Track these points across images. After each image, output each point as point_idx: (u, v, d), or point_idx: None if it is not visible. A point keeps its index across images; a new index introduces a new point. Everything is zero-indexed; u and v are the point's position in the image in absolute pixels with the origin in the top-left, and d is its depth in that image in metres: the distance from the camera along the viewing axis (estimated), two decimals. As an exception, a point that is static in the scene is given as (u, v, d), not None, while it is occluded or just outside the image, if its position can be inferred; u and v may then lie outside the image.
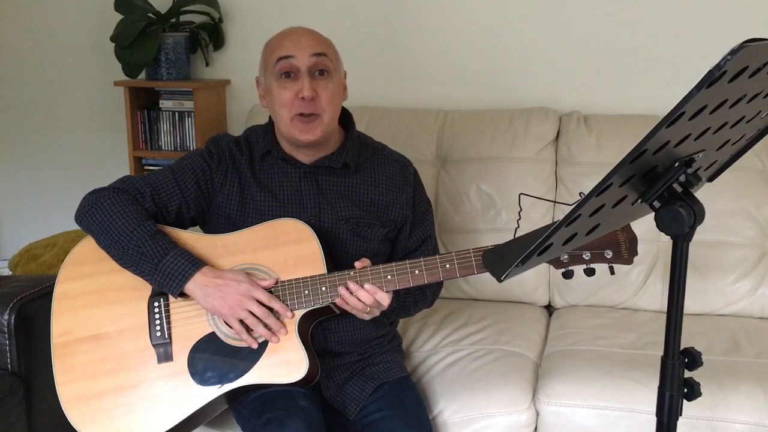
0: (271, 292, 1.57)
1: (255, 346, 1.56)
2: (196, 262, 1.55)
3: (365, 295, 1.54)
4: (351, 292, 1.54)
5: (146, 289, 1.61)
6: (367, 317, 1.59)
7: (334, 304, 1.58)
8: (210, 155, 1.70)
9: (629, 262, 1.54)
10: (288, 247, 1.60)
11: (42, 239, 2.67)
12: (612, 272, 1.55)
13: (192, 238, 1.64)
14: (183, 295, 1.56)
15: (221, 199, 1.69)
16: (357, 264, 1.56)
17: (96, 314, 1.61)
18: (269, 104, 1.68)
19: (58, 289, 1.63)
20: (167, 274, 1.53)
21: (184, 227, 1.69)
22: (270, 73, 1.64)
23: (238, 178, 1.69)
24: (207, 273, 1.54)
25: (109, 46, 2.67)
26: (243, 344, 1.57)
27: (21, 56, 3.06)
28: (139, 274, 1.57)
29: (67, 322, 1.61)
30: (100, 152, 3.05)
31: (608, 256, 1.53)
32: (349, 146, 1.71)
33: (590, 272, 1.53)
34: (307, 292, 1.57)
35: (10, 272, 2.60)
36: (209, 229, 1.73)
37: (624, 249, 1.53)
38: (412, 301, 1.75)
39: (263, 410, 1.58)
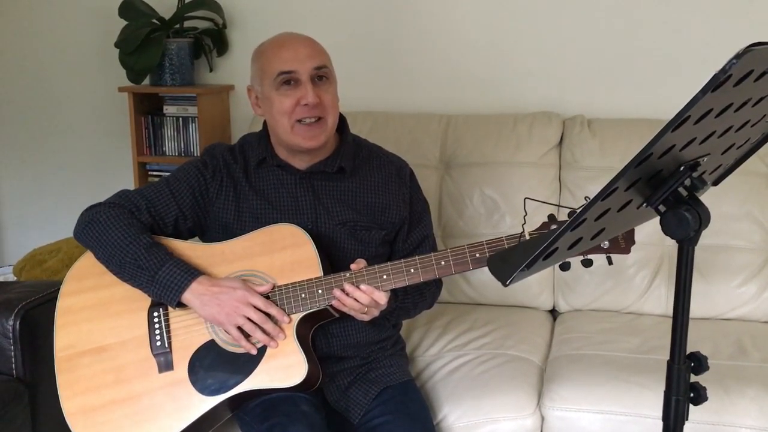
0: (267, 297, 1.58)
1: (254, 352, 1.56)
2: (191, 272, 1.55)
3: (362, 295, 1.54)
4: (347, 294, 1.54)
5: (146, 300, 1.62)
6: (365, 318, 1.59)
7: (332, 306, 1.58)
8: (205, 165, 1.70)
9: (626, 251, 1.53)
10: (284, 252, 1.61)
11: (47, 245, 2.68)
12: (610, 262, 1.54)
13: (189, 248, 1.65)
14: (182, 305, 1.57)
15: (218, 209, 1.69)
16: (353, 266, 1.57)
17: (98, 327, 1.62)
18: (267, 112, 1.68)
19: (61, 304, 1.65)
20: (164, 286, 1.54)
21: (182, 238, 1.70)
22: (268, 83, 1.64)
23: (234, 187, 1.69)
24: (203, 282, 1.55)
25: (114, 52, 2.68)
26: (242, 350, 1.57)
27: (25, 62, 3.07)
28: (137, 286, 1.58)
29: (70, 336, 1.62)
30: (104, 158, 3.05)
31: (605, 246, 1.52)
32: (344, 150, 1.71)
33: (588, 263, 1.52)
34: (303, 295, 1.57)
35: (15, 278, 2.60)
36: (208, 239, 1.73)
37: (621, 238, 1.53)
38: (411, 302, 1.75)
39: (266, 416, 1.58)
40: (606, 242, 1.51)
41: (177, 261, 1.57)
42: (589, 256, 1.52)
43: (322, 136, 1.64)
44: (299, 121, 1.62)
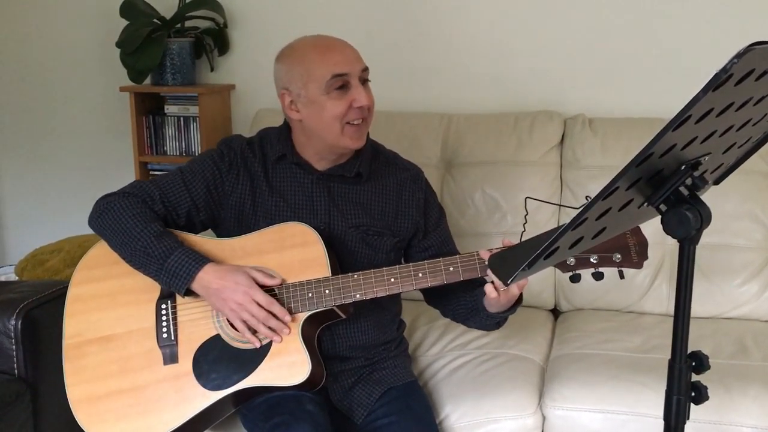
0: (275, 294, 1.58)
1: (257, 345, 1.56)
2: (199, 260, 1.55)
3: None
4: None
5: (155, 292, 1.63)
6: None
7: (339, 307, 1.58)
8: (221, 158, 1.69)
9: (639, 266, 1.53)
10: (294, 251, 1.61)
11: (48, 244, 2.68)
12: (621, 276, 1.53)
13: (199, 242, 1.65)
14: (192, 293, 1.57)
15: (233, 202, 1.69)
16: (505, 241, 1.56)
17: (106, 317, 1.63)
18: (311, 116, 1.62)
19: (72, 292, 1.66)
20: (172, 274, 1.54)
21: (196, 230, 1.71)
22: (316, 87, 1.59)
23: (251, 182, 1.69)
24: (209, 272, 1.55)
25: (115, 51, 2.68)
26: (247, 346, 1.58)
27: (27, 62, 3.07)
28: (147, 274, 1.59)
29: (78, 324, 1.63)
30: (105, 157, 3.06)
31: (617, 260, 1.51)
32: (363, 156, 1.71)
33: (599, 276, 1.52)
34: (310, 295, 1.57)
35: (17, 277, 2.61)
36: (221, 232, 1.73)
37: (634, 253, 1.52)
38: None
39: (270, 414, 1.58)
40: (618, 255, 1.51)
41: (186, 249, 1.57)
42: (601, 269, 1.51)
43: (365, 137, 1.66)
44: (348, 123, 1.61)
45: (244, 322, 1.55)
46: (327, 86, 1.58)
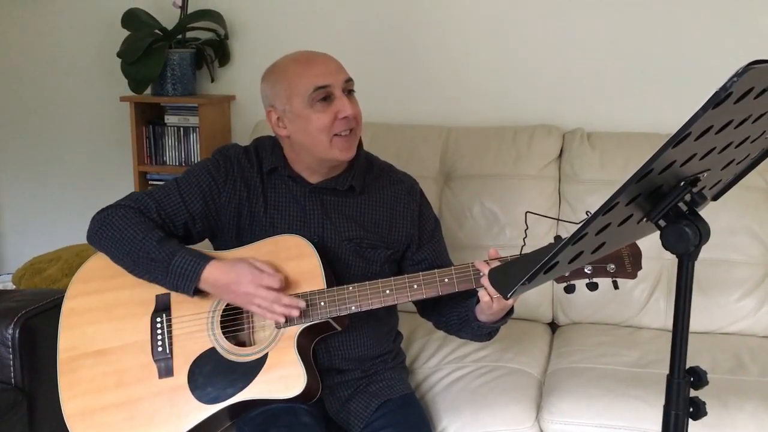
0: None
1: (281, 321, 1.56)
2: (202, 257, 1.56)
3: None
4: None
5: (150, 305, 1.63)
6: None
7: (334, 320, 1.58)
8: (217, 168, 1.70)
9: (633, 276, 1.53)
10: (289, 263, 1.61)
11: (46, 253, 2.68)
12: (615, 287, 1.54)
13: None
14: (201, 292, 1.58)
15: (231, 212, 1.70)
16: (491, 251, 1.56)
17: (102, 330, 1.62)
18: (298, 131, 1.62)
19: (67, 305, 1.65)
20: (178, 274, 1.55)
21: (193, 241, 1.71)
22: (300, 101, 1.60)
23: (247, 192, 1.69)
24: (214, 268, 1.55)
25: (116, 61, 2.69)
26: (242, 359, 1.58)
27: (28, 71, 3.08)
28: (153, 281, 1.59)
29: (73, 337, 1.63)
30: (105, 167, 3.06)
31: (611, 270, 1.52)
32: (356, 169, 1.71)
33: (593, 287, 1.52)
34: (306, 307, 1.57)
35: (14, 286, 2.60)
36: (219, 241, 1.74)
37: (627, 263, 1.53)
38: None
39: (266, 427, 1.58)
40: (612, 266, 1.51)
41: (188, 249, 1.58)
42: (595, 280, 1.52)
43: (354, 148, 1.66)
44: (336, 134, 1.61)
45: (258, 306, 1.55)
46: (310, 99, 1.59)
